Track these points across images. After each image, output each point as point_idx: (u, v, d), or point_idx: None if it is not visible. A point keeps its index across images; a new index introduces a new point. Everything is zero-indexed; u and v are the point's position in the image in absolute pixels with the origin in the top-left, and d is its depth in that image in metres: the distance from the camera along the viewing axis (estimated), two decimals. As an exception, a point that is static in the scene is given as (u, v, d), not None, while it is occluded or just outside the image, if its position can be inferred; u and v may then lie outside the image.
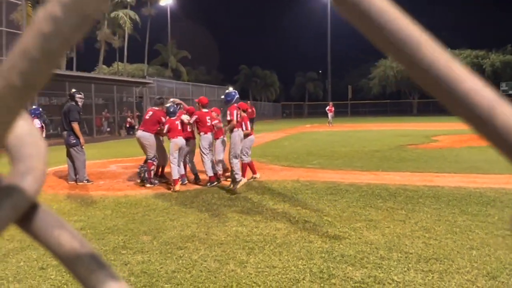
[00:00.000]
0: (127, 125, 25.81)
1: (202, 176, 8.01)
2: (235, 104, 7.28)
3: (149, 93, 26.93)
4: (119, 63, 46.37)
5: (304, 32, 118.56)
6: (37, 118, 9.25)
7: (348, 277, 3.60)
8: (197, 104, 8.32)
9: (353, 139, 17.55)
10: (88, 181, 8.35)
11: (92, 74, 28.83)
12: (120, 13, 40.02)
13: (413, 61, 0.24)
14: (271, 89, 66.32)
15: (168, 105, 7.98)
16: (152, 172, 8.01)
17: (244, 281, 3.60)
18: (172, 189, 7.42)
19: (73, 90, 8.78)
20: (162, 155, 8.20)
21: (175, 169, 7.49)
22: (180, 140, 7.62)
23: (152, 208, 6.20)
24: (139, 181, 8.11)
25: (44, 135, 9.49)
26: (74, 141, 8.30)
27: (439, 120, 34.02)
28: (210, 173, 7.73)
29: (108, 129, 25.73)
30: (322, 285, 3.48)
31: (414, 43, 0.23)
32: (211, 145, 7.97)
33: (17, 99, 0.24)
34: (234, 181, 7.03)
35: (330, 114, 29.13)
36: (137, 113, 26.85)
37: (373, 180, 7.94)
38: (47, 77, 0.24)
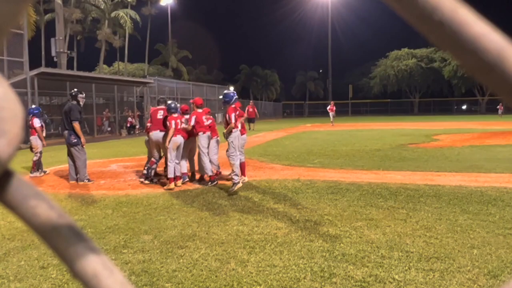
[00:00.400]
0: (128, 125, 25.81)
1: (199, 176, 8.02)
2: (233, 106, 7.25)
3: (150, 93, 26.93)
4: (120, 62, 46.42)
5: (304, 31, 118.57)
6: (37, 117, 9.25)
7: (349, 276, 3.59)
8: (191, 105, 8.38)
9: (354, 138, 17.54)
10: (89, 180, 8.35)
11: (92, 74, 28.79)
12: (121, 12, 40.05)
13: (415, 6, 0.22)
14: (272, 89, 66.35)
15: (169, 102, 7.99)
16: (153, 171, 8.07)
17: (245, 280, 3.59)
18: (166, 187, 7.43)
19: (76, 90, 8.78)
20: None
21: (171, 168, 7.49)
22: (179, 139, 7.61)
23: (153, 207, 6.20)
24: (145, 181, 8.06)
25: (44, 134, 9.48)
26: (75, 140, 8.30)
27: (440, 119, 34.01)
28: (210, 173, 7.72)
29: (109, 129, 25.74)
30: (323, 284, 3.47)
31: None
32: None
33: None
34: (233, 183, 6.96)
35: (331, 114, 29.08)
36: (138, 113, 26.87)
37: (374, 179, 7.93)
38: (13, 19, 0.23)
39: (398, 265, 3.79)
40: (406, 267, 3.74)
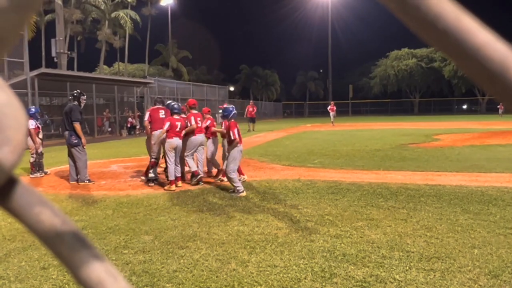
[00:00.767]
0: (128, 125, 25.82)
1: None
2: (233, 120, 7.25)
3: (150, 93, 26.91)
4: (120, 63, 46.41)
5: (305, 32, 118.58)
6: (33, 118, 9.12)
7: (349, 276, 3.59)
8: (185, 106, 8.47)
9: (354, 138, 17.53)
10: (89, 181, 8.35)
11: (93, 74, 28.81)
12: (121, 13, 40.04)
13: (419, 14, 0.22)
14: (272, 89, 66.33)
15: (172, 103, 7.97)
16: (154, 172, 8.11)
17: (245, 280, 3.59)
18: (167, 188, 7.42)
19: (78, 91, 8.77)
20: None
21: (171, 169, 7.48)
22: (176, 141, 7.51)
23: (154, 208, 6.20)
24: (150, 183, 8.03)
25: (41, 136, 9.37)
26: (76, 141, 8.30)
27: (440, 119, 34.00)
28: (194, 168, 7.88)
29: (109, 129, 25.74)
30: (323, 284, 3.47)
31: None
32: (203, 147, 8.23)
33: None
34: (236, 192, 6.92)
35: (332, 114, 29.05)
36: (138, 113, 26.85)
37: (375, 179, 7.93)
38: (17, 29, 0.23)
39: (399, 265, 3.79)
40: (407, 267, 3.74)
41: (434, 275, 3.55)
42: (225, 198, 6.70)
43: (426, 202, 6.03)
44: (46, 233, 0.26)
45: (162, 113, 8.16)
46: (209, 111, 8.69)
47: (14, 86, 16.59)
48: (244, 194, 6.69)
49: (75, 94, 8.68)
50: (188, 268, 3.88)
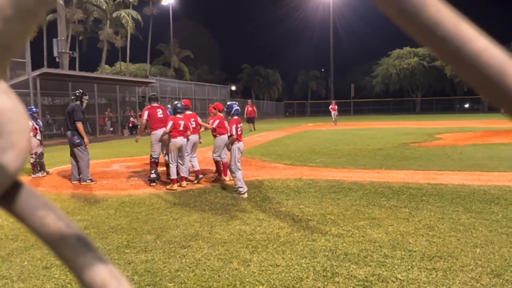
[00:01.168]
0: (130, 125, 25.85)
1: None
2: (235, 117, 7.25)
3: (152, 93, 26.94)
4: (122, 62, 46.45)
5: (306, 31, 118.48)
6: (31, 119, 9.12)
7: (351, 275, 3.59)
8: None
9: (356, 137, 17.52)
10: (91, 180, 8.37)
11: (94, 74, 28.88)
12: (122, 12, 40.04)
13: (418, 21, 0.23)
14: (274, 88, 66.28)
15: (175, 102, 8.01)
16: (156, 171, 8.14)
17: (247, 279, 3.59)
18: (169, 187, 7.42)
19: (80, 91, 8.78)
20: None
21: (173, 168, 7.49)
22: (180, 140, 7.52)
23: (156, 207, 6.21)
24: (152, 183, 8.04)
25: (39, 137, 9.34)
26: (78, 140, 8.32)
27: (443, 118, 33.93)
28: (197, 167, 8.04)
29: (111, 129, 25.78)
30: (325, 283, 3.47)
31: (418, 2, 0.22)
32: (195, 147, 8.28)
33: None
34: (238, 193, 6.91)
35: (333, 113, 29.00)
36: (140, 113, 26.85)
37: (376, 178, 7.92)
38: (24, 37, 0.23)
39: (401, 264, 3.78)
40: (409, 266, 3.74)
41: (436, 274, 3.55)
42: (227, 197, 6.70)
43: (428, 201, 6.03)
44: (51, 236, 0.27)
45: (160, 113, 8.15)
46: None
47: (16, 86, 16.63)
48: (245, 196, 6.67)
49: (77, 94, 8.70)
50: (190, 268, 3.88)
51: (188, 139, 7.78)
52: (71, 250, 0.27)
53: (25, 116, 0.27)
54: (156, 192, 7.33)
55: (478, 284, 3.35)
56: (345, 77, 71.37)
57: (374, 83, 62.65)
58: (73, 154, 8.45)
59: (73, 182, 8.37)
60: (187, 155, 7.82)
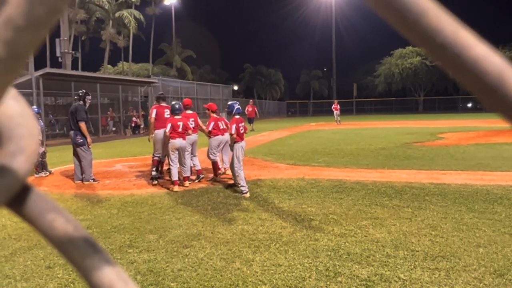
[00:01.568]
0: (133, 125, 25.90)
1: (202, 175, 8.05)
2: (236, 116, 7.26)
3: (154, 93, 26.98)
4: (124, 62, 46.55)
5: (308, 30, 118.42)
6: None
7: (354, 275, 3.59)
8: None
9: (359, 137, 17.50)
10: (94, 180, 8.38)
11: (97, 74, 28.94)
12: (125, 12, 40.12)
13: (418, 28, 0.23)
14: (276, 88, 66.28)
15: (173, 102, 8.00)
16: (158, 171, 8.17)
17: (250, 279, 3.60)
18: (171, 189, 7.43)
19: (84, 91, 8.81)
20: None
21: (174, 170, 7.47)
22: (178, 142, 7.49)
23: (158, 207, 6.22)
24: (154, 181, 8.05)
25: (40, 137, 9.40)
26: (81, 140, 8.34)
27: (445, 117, 33.86)
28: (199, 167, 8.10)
29: (114, 129, 25.83)
30: (328, 283, 3.47)
31: (418, 10, 0.23)
32: (195, 146, 8.31)
33: (3, 72, 0.23)
34: (240, 192, 6.92)
35: (336, 112, 28.98)
36: (143, 113, 26.92)
37: (379, 178, 7.91)
38: (33, 46, 0.23)
39: (403, 264, 3.78)
40: (412, 266, 3.73)
41: (439, 274, 3.55)
42: (229, 197, 6.71)
43: (431, 201, 6.02)
44: (59, 239, 0.27)
45: (167, 113, 8.17)
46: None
47: (19, 86, 16.68)
48: (247, 195, 6.68)
49: (80, 94, 8.72)
50: (193, 267, 3.89)
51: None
52: (78, 252, 0.27)
53: (33, 120, 0.28)
54: (159, 191, 7.34)
55: (481, 284, 3.35)
56: (348, 76, 71.27)
57: (377, 82, 62.55)
58: (76, 154, 8.47)
59: (75, 181, 8.39)
60: (187, 154, 7.83)
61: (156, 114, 8.23)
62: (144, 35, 45.51)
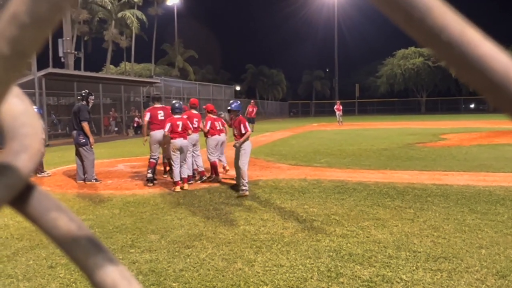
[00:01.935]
0: (135, 125, 25.91)
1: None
2: (240, 115, 7.30)
3: (155, 92, 27.03)
4: (127, 63, 46.63)
5: (310, 31, 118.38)
6: None
7: (356, 276, 3.58)
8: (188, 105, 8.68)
9: (361, 137, 17.48)
10: (96, 180, 8.40)
11: (99, 74, 28.98)
12: (127, 13, 40.21)
13: (424, 26, 0.23)
14: (278, 88, 66.29)
15: (173, 101, 8.03)
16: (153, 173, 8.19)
17: (251, 279, 3.60)
18: (173, 189, 7.43)
19: (86, 91, 8.82)
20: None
21: (176, 170, 7.45)
22: (179, 141, 7.43)
23: (160, 207, 6.22)
24: (149, 183, 8.05)
25: (44, 136, 9.45)
26: (84, 140, 8.36)
27: (448, 118, 33.78)
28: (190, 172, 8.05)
29: (116, 129, 25.86)
30: (329, 284, 3.47)
31: (424, 7, 0.22)
32: (196, 146, 8.34)
33: (7, 69, 0.23)
34: (240, 190, 6.93)
35: (338, 113, 28.95)
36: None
37: (381, 178, 7.90)
38: (37, 44, 0.23)
39: (405, 265, 3.77)
40: (414, 267, 3.72)
41: (441, 275, 3.54)
42: (231, 197, 6.71)
43: (433, 202, 6.00)
44: (62, 237, 0.27)
45: (161, 114, 8.14)
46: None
47: (21, 86, 16.38)
48: (247, 194, 6.69)
49: (83, 94, 8.74)
50: (195, 267, 3.89)
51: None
52: (82, 251, 0.27)
53: (37, 119, 0.28)
54: (161, 192, 7.35)
55: (484, 286, 3.34)
56: (350, 77, 71.19)
57: (379, 83, 62.46)
58: (78, 154, 8.49)
59: (78, 181, 8.41)
60: (189, 153, 7.83)
61: (150, 117, 8.22)
62: (147, 36, 45.61)
